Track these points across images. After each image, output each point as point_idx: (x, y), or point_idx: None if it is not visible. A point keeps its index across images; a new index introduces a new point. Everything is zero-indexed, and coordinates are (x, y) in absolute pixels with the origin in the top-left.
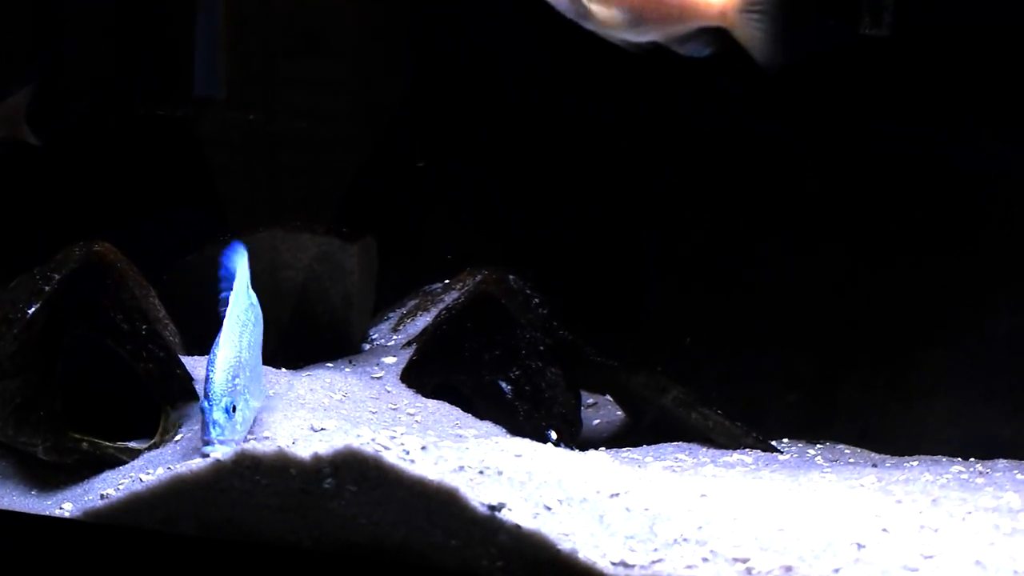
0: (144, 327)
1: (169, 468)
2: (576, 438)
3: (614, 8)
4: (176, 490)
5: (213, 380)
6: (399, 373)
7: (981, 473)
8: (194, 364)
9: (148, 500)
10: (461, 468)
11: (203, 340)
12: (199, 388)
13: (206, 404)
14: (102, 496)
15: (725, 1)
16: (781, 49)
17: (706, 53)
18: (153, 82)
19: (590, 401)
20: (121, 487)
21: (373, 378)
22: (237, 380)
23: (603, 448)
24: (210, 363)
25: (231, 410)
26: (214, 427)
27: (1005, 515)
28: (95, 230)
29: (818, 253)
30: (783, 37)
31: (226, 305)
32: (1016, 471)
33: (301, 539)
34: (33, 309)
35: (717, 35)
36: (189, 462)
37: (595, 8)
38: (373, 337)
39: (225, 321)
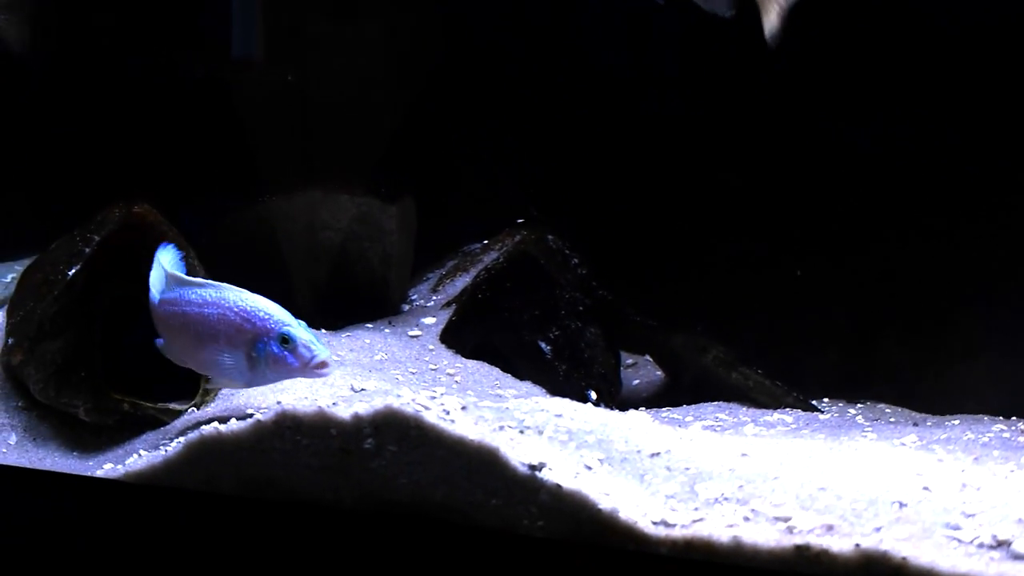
0: None
1: (210, 428)
2: (616, 398)
3: None
4: (217, 450)
5: (273, 316)
6: (438, 334)
7: (1023, 432)
8: None
9: (189, 460)
10: (501, 428)
11: None
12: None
13: (291, 331)
14: (141, 455)
15: None
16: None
17: (729, 14)
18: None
19: (629, 361)
20: (162, 448)
21: (412, 338)
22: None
23: (643, 408)
24: (247, 313)
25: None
26: (316, 342)
27: None
28: (136, 191)
29: (856, 212)
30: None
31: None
32: None
33: (342, 498)
34: (73, 271)
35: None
36: (230, 422)
37: None
38: (412, 298)
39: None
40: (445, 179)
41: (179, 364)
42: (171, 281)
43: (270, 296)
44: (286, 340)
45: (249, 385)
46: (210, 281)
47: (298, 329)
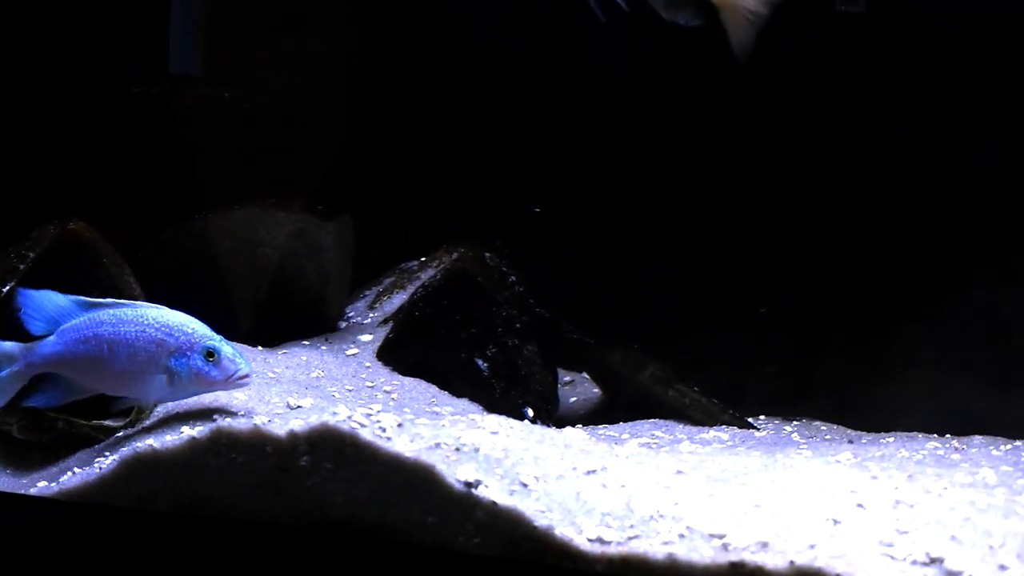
0: None
1: (145, 445)
2: (553, 415)
3: None
4: (152, 468)
5: (196, 331)
6: (375, 351)
7: (957, 449)
8: None
9: (124, 478)
10: (437, 445)
11: None
12: None
13: (215, 344)
14: (75, 473)
15: None
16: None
17: (695, 23)
18: (129, 59)
19: (567, 379)
20: (97, 465)
21: (349, 356)
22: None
23: (580, 425)
24: (168, 328)
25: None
26: (238, 357)
27: (981, 490)
28: (71, 208)
29: (796, 229)
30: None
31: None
32: (991, 447)
33: (278, 516)
34: (8, 288)
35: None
36: (165, 439)
37: None
38: (349, 315)
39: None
40: (387, 196)
41: (81, 397)
42: (77, 306)
43: (209, 312)
44: (211, 354)
45: (165, 400)
46: (122, 301)
47: (221, 343)
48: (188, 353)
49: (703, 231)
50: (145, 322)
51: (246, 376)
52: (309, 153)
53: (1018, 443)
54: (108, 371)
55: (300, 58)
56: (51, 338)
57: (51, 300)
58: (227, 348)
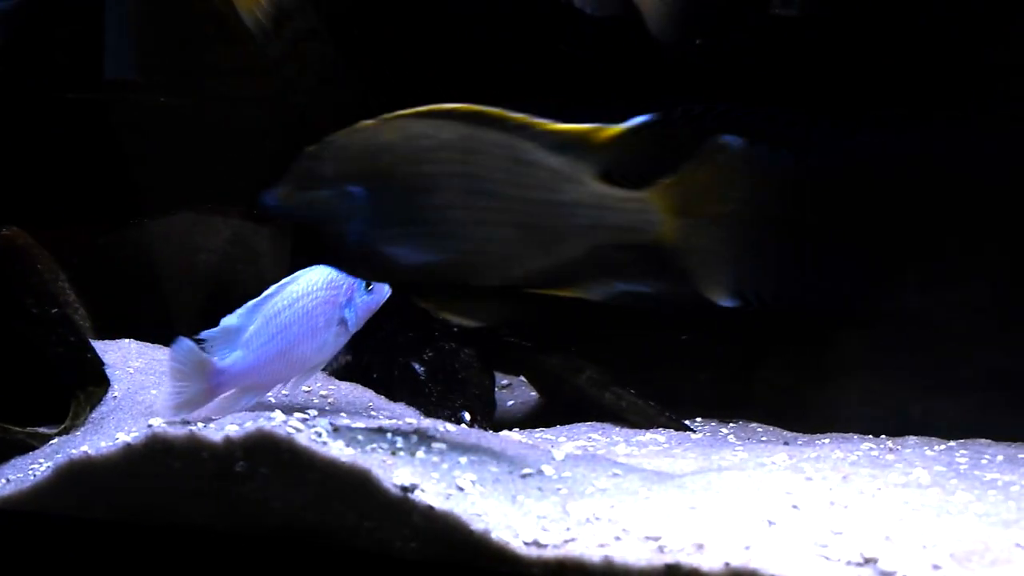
0: (54, 311)
1: (79, 452)
2: (490, 419)
3: None
4: (87, 474)
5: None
6: None
7: (891, 450)
8: (105, 348)
9: (59, 485)
10: (373, 450)
11: (115, 323)
12: (109, 373)
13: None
14: (9, 481)
15: None
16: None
17: (595, 12)
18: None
19: (504, 382)
20: (31, 473)
21: None
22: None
23: (517, 429)
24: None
25: None
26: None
27: (914, 490)
28: (5, 214)
29: None
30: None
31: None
32: (925, 448)
33: (215, 523)
34: None
35: None
36: (99, 446)
37: None
38: None
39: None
40: None
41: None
42: (248, 314)
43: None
44: (367, 284)
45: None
46: (276, 284)
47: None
48: (353, 295)
49: None
50: (311, 289)
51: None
52: (247, 159)
53: (951, 443)
54: (295, 353)
55: (238, 65)
56: (238, 354)
57: (226, 327)
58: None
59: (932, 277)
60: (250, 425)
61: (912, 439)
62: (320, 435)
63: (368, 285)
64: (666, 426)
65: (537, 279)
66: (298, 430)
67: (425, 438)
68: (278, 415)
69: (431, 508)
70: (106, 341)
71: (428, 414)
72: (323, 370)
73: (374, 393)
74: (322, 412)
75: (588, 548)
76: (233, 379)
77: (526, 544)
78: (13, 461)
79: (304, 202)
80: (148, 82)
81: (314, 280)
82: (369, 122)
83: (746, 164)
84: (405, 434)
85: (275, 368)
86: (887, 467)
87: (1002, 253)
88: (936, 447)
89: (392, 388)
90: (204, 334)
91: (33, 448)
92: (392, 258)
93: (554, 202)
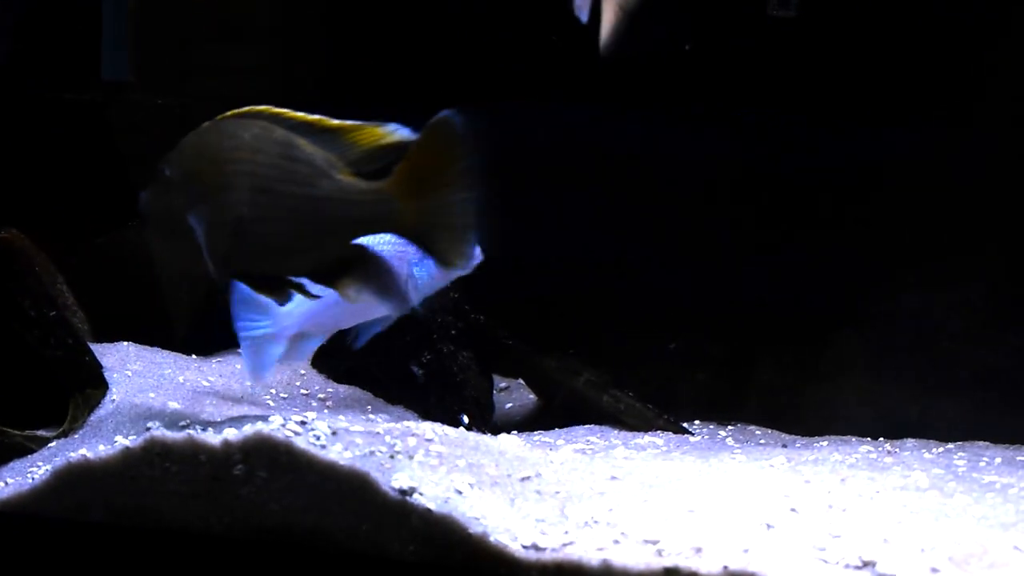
0: (52, 313)
1: (78, 455)
2: (488, 422)
3: None
4: (85, 477)
5: None
6: (310, 358)
7: (889, 452)
8: (103, 351)
9: (57, 488)
10: (372, 453)
11: (113, 325)
12: (108, 376)
13: None
14: (7, 484)
15: None
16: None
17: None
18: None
19: (503, 385)
20: (29, 476)
21: (284, 363)
22: None
23: (515, 431)
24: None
25: None
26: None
27: (912, 493)
28: (2, 216)
29: (730, 236)
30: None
31: None
32: (923, 450)
33: (212, 525)
34: None
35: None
36: (98, 449)
37: None
38: None
39: None
40: None
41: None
42: None
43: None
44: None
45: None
46: None
47: None
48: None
49: (637, 237)
50: (382, 239)
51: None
52: None
53: (950, 446)
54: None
55: (235, 66)
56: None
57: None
58: None
59: (929, 278)
60: (248, 428)
61: (910, 441)
62: (319, 438)
63: None
64: (664, 429)
65: (319, 272)
66: (296, 433)
67: (423, 441)
68: (276, 418)
69: (429, 511)
70: (104, 344)
71: (426, 417)
72: (321, 373)
73: (372, 396)
74: (320, 415)
75: (587, 551)
76: (297, 321)
77: (524, 547)
78: (11, 464)
79: (147, 200)
80: (145, 83)
81: (378, 239)
82: (206, 123)
83: (461, 135)
84: (403, 437)
85: (337, 312)
86: (885, 470)
87: (999, 254)
88: (934, 449)
89: (390, 391)
90: None
91: (31, 451)
92: (214, 253)
93: (312, 196)
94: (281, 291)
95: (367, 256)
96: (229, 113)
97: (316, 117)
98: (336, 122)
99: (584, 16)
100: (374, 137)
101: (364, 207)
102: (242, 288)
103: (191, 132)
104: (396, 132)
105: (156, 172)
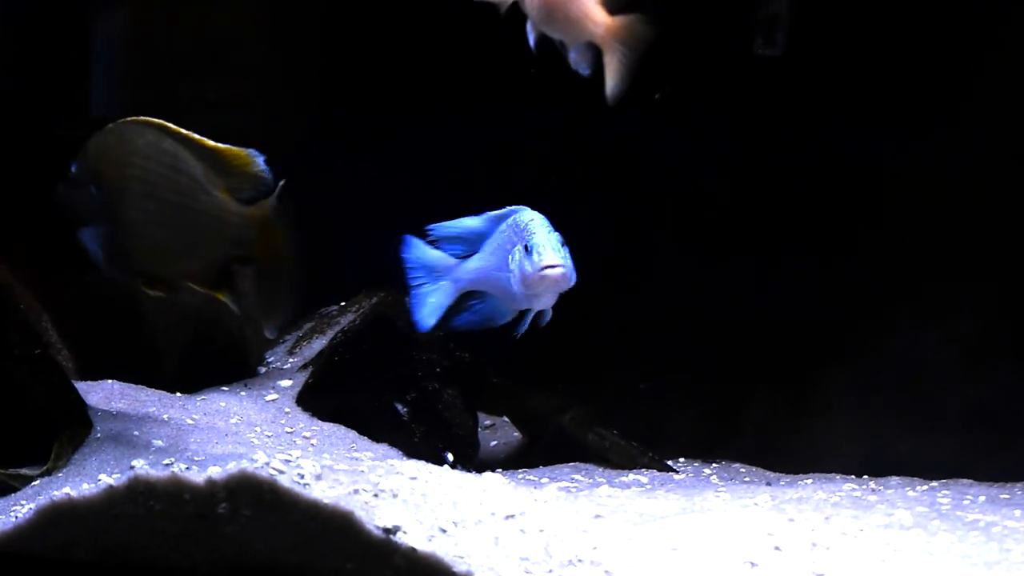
0: (37, 351)
1: (61, 494)
2: (473, 460)
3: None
4: (69, 516)
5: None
6: (295, 396)
7: (873, 490)
8: (88, 389)
9: (40, 527)
10: (356, 491)
11: (100, 362)
12: (92, 414)
13: (532, 240)
14: None
15: (609, 22)
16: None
17: (585, 72)
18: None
19: (488, 422)
20: (12, 514)
21: (269, 401)
22: None
23: (500, 469)
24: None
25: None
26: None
27: (896, 532)
28: None
29: (718, 272)
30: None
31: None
32: (908, 488)
33: (197, 565)
34: None
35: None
36: (81, 488)
37: None
38: (269, 360)
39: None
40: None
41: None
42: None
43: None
44: (526, 247)
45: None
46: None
47: (541, 236)
48: (520, 249)
49: (624, 272)
50: (510, 223)
51: (550, 267)
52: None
53: (934, 484)
54: (498, 276)
55: (222, 100)
56: (475, 256)
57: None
58: (541, 239)
59: (917, 314)
60: (232, 466)
61: (894, 479)
62: (303, 476)
63: (528, 250)
64: (649, 466)
65: (199, 278)
66: (280, 472)
67: (408, 479)
68: (260, 457)
69: (414, 550)
70: (89, 382)
71: (411, 455)
72: (306, 411)
73: (357, 434)
74: (305, 453)
75: None
76: (467, 277)
77: None
78: None
79: (57, 197)
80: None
81: (520, 219)
82: (109, 125)
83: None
84: (387, 475)
85: (490, 280)
86: (869, 508)
87: (989, 290)
88: (918, 487)
89: (375, 429)
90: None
91: (15, 490)
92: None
93: (192, 208)
94: (172, 291)
95: (241, 270)
96: (129, 119)
97: (198, 136)
98: (213, 143)
99: (584, 71)
100: (244, 162)
101: (232, 228)
102: (413, 244)
103: (95, 133)
104: (257, 161)
105: (66, 170)
